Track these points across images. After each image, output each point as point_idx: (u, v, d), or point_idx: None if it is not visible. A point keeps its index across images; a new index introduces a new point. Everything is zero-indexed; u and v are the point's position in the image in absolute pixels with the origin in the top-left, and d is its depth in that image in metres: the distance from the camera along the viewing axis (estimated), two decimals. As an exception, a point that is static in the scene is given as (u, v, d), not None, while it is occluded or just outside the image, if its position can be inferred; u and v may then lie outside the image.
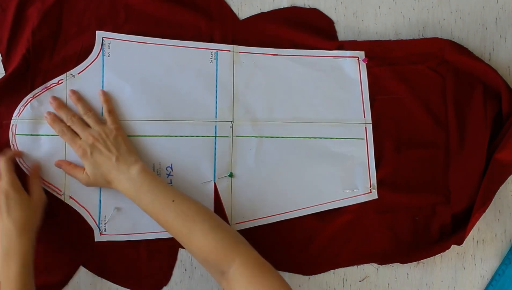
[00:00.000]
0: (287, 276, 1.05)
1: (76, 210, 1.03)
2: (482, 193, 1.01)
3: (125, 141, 0.99)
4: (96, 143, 0.97)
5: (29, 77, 1.03)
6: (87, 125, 1.00)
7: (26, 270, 0.93)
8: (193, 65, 1.05)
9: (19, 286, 0.91)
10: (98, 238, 1.03)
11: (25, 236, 0.94)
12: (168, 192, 0.94)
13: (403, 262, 1.04)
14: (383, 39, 1.07)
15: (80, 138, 0.99)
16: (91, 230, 1.03)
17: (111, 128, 1.00)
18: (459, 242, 1.02)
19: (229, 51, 1.05)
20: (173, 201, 0.93)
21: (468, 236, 1.02)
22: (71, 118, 1.00)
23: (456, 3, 1.08)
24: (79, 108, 1.02)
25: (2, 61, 1.04)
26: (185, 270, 1.05)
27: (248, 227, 1.04)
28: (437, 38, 1.06)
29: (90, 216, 1.03)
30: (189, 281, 1.05)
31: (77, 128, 1.00)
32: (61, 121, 1.01)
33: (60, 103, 1.02)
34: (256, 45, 1.06)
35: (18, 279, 0.91)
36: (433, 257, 1.05)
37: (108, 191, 1.02)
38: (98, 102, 1.03)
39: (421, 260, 1.05)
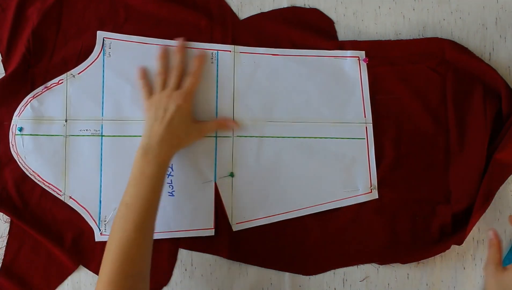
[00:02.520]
0: (287, 276, 1.05)
1: (76, 210, 1.03)
2: (482, 193, 1.01)
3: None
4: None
5: (29, 77, 1.03)
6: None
7: (161, 175, 0.95)
8: (193, 65, 1.05)
9: (153, 184, 0.93)
10: (98, 238, 1.03)
11: (167, 148, 0.96)
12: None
13: (403, 262, 1.04)
14: (383, 39, 1.07)
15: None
16: (91, 230, 1.03)
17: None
18: (459, 242, 1.02)
19: (230, 51, 1.05)
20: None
21: (468, 236, 1.02)
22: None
23: (456, 3, 1.08)
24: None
25: (2, 61, 1.04)
26: (185, 270, 1.05)
27: (249, 227, 1.04)
28: (437, 38, 1.06)
29: (90, 216, 1.03)
30: (189, 281, 1.05)
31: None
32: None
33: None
34: (256, 45, 1.07)
35: (153, 176, 0.94)
36: (433, 257, 1.04)
37: (108, 191, 1.02)
38: (98, 102, 1.04)
39: (421, 260, 1.05)
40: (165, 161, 0.96)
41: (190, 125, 1.00)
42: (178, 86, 1.00)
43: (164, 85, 1.01)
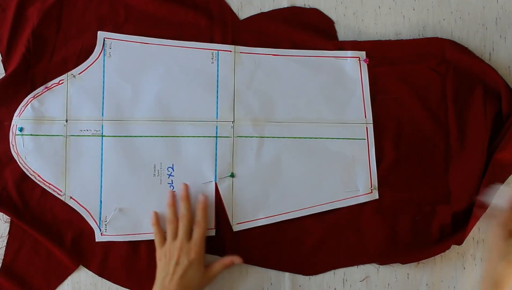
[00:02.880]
0: (287, 276, 1.05)
1: (76, 210, 1.03)
2: (482, 193, 1.01)
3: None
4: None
5: (29, 77, 1.03)
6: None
7: None
8: (194, 65, 1.05)
9: None
10: (98, 238, 1.03)
11: None
12: None
13: (403, 262, 1.04)
14: (383, 39, 1.07)
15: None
16: (91, 230, 1.03)
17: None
18: (459, 242, 1.02)
19: (231, 51, 1.05)
20: None
21: (468, 236, 1.02)
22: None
23: (456, 3, 1.08)
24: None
25: (2, 61, 1.04)
26: (185, 270, 1.05)
27: (249, 227, 1.04)
28: (437, 38, 1.06)
29: (90, 216, 1.03)
30: (189, 281, 1.05)
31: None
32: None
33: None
34: (255, 45, 1.07)
35: None
36: (433, 257, 1.04)
37: (109, 191, 1.02)
38: (98, 102, 1.04)
39: (421, 260, 1.05)
40: None
41: (201, 277, 0.98)
42: (188, 234, 0.99)
43: (175, 233, 1.00)
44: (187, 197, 1.02)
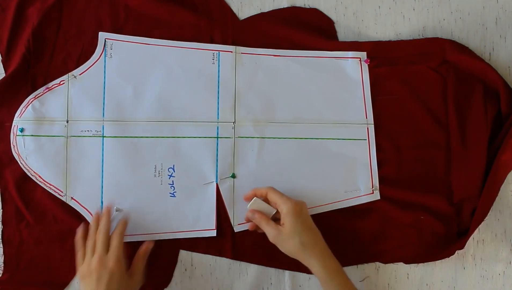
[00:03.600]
0: (287, 275, 1.05)
1: (77, 211, 1.03)
2: (485, 195, 1.02)
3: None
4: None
5: (29, 77, 1.03)
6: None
7: None
8: (195, 66, 1.05)
9: None
10: (99, 239, 1.03)
11: None
12: None
13: (406, 262, 1.05)
14: (383, 39, 1.08)
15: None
16: (92, 231, 1.03)
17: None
18: (461, 246, 1.03)
19: (231, 52, 1.06)
20: None
21: (468, 237, 1.03)
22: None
23: (456, 3, 1.08)
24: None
25: (2, 61, 1.04)
26: (185, 270, 1.05)
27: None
28: (438, 38, 1.07)
29: (91, 217, 1.02)
30: (189, 281, 1.05)
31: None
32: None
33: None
34: (256, 45, 1.07)
35: None
36: (433, 257, 1.06)
37: (110, 192, 1.03)
38: (99, 103, 1.04)
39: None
40: None
41: (127, 283, 0.96)
42: (106, 247, 0.96)
43: (93, 250, 0.96)
44: (108, 213, 1.00)
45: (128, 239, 1.02)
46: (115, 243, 0.96)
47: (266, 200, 0.99)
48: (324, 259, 0.94)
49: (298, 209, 0.94)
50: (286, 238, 0.94)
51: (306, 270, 1.03)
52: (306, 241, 0.93)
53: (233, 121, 1.05)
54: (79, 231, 1.00)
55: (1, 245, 1.03)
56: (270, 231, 0.95)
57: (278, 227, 0.94)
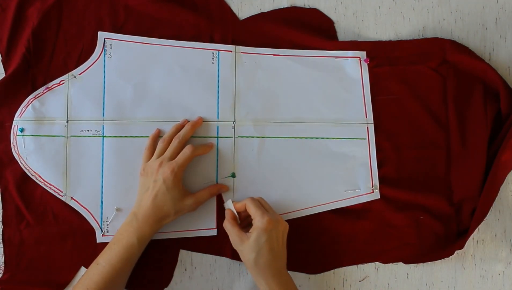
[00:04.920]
0: (287, 275, 1.05)
1: (77, 211, 1.03)
2: (485, 195, 1.02)
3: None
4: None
5: (29, 77, 1.03)
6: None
7: (138, 248, 0.96)
8: (195, 65, 1.05)
9: (127, 255, 0.95)
10: (100, 239, 1.03)
11: (152, 222, 0.97)
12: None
13: (406, 262, 1.05)
14: (383, 39, 1.08)
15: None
16: (93, 231, 1.03)
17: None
18: (461, 246, 1.03)
19: (231, 51, 1.06)
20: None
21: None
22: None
23: (456, 3, 1.08)
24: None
25: (2, 61, 1.04)
26: (185, 270, 1.05)
27: (251, 227, 1.04)
28: (438, 38, 1.07)
29: (92, 217, 1.03)
30: (189, 281, 1.05)
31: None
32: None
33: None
34: (256, 45, 1.07)
35: (129, 248, 0.95)
36: (433, 257, 1.06)
37: (110, 192, 1.03)
38: (99, 103, 1.04)
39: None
40: (145, 236, 0.96)
41: (178, 198, 0.98)
42: (175, 155, 0.99)
43: (163, 152, 1.00)
44: (195, 125, 1.03)
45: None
46: (184, 155, 0.98)
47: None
48: (272, 283, 0.92)
49: (269, 228, 0.92)
50: (244, 249, 0.93)
51: (306, 270, 1.03)
52: (260, 260, 0.92)
53: (233, 120, 1.05)
54: (155, 131, 1.03)
55: (1, 245, 1.03)
56: (232, 236, 0.95)
57: (242, 235, 0.93)
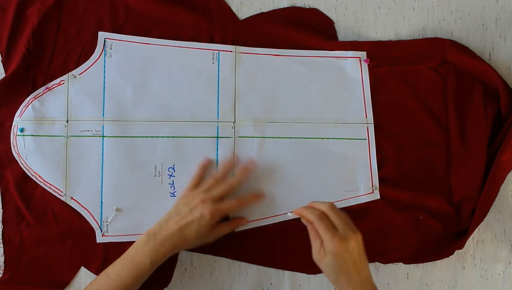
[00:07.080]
0: (287, 276, 1.05)
1: (77, 211, 1.03)
2: (485, 195, 1.02)
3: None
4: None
5: (29, 77, 1.03)
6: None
7: (149, 268, 0.94)
8: (195, 65, 1.05)
9: (138, 274, 0.94)
10: (100, 239, 1.03)
11: (169, 247, 0.95)
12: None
13: (406, 262, 1.05)
14: (383, 39, 1.08)
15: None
16: (93, 231, 1.03)
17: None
18: (461, 246, 1.03)
19: (231, 51, 1.05)
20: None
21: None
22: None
23: (456, 3, 1.08)
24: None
25: (2, 61, 1.04)
26: (185, 270, 1.05)
27: (251, 227, 1.04)
28: (438, 38, 1.07)
29: (91, 217, 1.03)
30: (189, 281, 1.05)
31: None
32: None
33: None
34: (256, 45, 1.07)
35: (141, 266, 0.94)
36: (433, 257, 1.06)
37: (110, 192, 1.03)
38: (99, 103, 1.04)
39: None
40: (158, 258, 0.95)
41: (203, 236, 0.97)
42: (219, 198, 0.98)
43: (209, 189, 0.99)
44: (249, 172, 1.03)
45: (127, 239, 1.02)
46: (228, 206, 0.98)
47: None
48: None
49: (341, 252, 0.87)
50: (322, 267, 0.90)
51: (306, 270, 1.03)
52: (340, 280, 0.89)
53: (233, 120, 1.05)
54: (205, 159, 1.04)
55: (2, 245, 1.04)
56: (314, 250, 0.91)
57: (321, 252, 0.89)
